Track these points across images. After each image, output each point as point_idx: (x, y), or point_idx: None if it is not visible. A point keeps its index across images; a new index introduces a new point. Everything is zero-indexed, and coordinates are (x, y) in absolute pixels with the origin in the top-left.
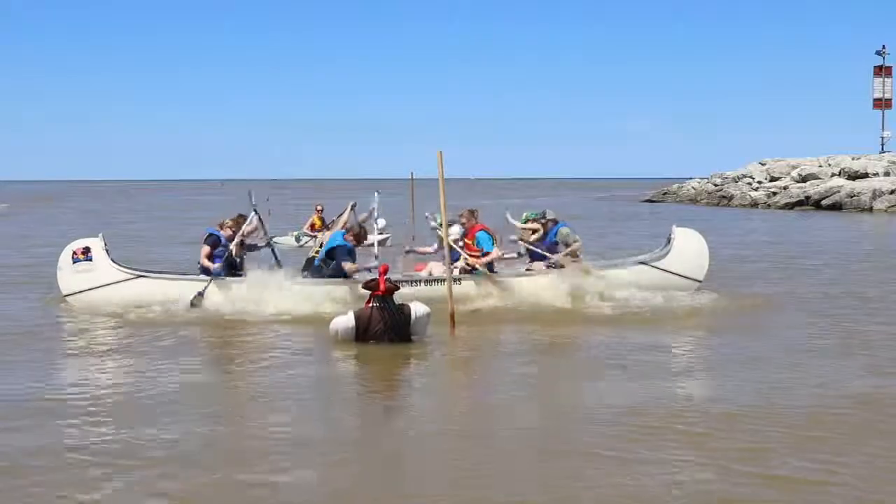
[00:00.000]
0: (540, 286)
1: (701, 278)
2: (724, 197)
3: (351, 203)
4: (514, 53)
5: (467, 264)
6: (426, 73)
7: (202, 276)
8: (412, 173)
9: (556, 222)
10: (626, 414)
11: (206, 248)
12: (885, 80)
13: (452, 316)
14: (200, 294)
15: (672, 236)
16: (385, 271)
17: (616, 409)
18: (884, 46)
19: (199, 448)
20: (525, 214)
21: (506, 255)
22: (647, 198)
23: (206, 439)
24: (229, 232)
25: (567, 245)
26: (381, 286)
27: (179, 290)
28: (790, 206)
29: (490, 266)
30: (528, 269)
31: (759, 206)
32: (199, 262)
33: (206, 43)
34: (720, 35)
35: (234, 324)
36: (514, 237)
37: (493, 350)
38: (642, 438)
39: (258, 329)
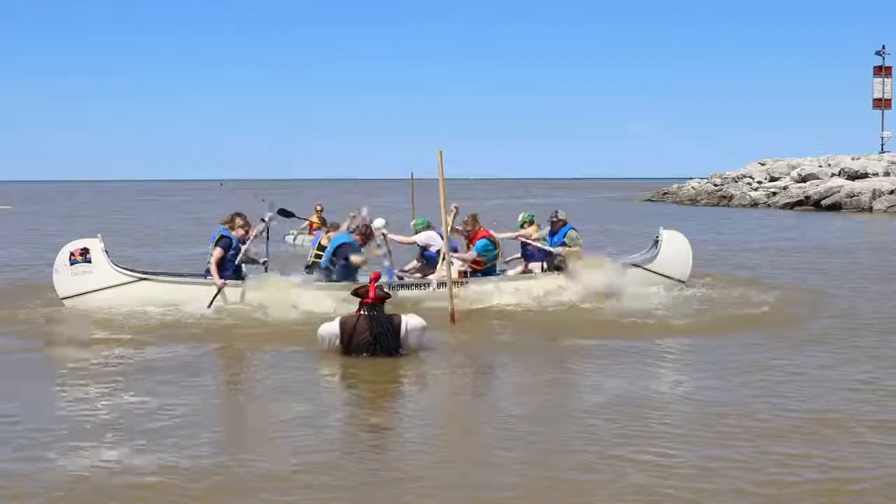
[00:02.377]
0: (540, 287)
1: (685, 279)
2: (723, 197)
3: (351, 214)
4: (514, 53)
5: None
6: (427, 73)
7: (209, 279)
8: (412, 173)
9: (565, 223)
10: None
11: (219, 252)
12: (885, 80)
13: (453, 315)
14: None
15: (659, 238)
16: (376, 278)
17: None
18: (883, 46)
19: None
20: (522, 216)
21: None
22: (646, 198)
23: (192, 462)
24: (241, 232)
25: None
26: (371, 293)
27: (187, 294)
28: (790, 206)
29: (491, 270)
30: (524, 271)
31: (759, 206)
32: (207, 265)
33: (206, 43)
34: (720, 35)
35: (241, 329)
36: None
37: (491, 358)
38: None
39: (260, 336)
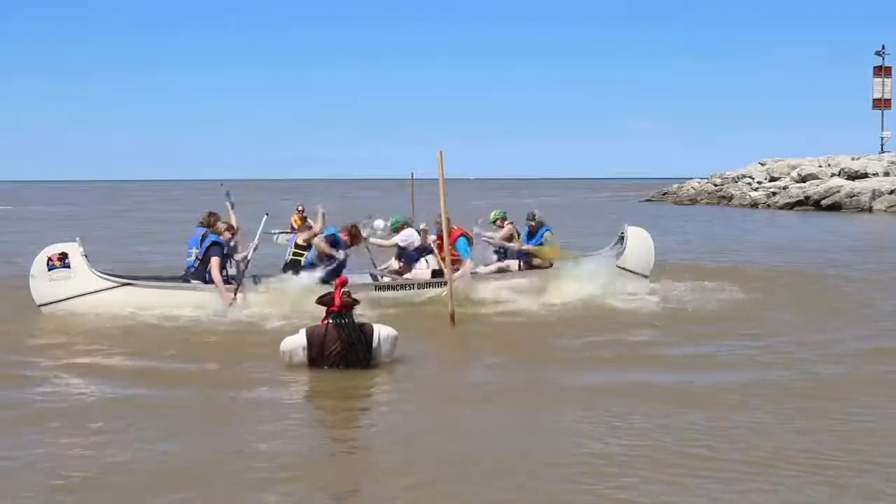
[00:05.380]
0: (517, 287)
1: (648, 274)
2: (723, 197)
3: (321, 210)
4: (515, 54)
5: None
6: (427, 72)
7: (194, 283)
8: (412, 173)
9: (542, 224)
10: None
11: (217, 260)
12: (885, 80)
13: (452, 315)
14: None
15: (625, 235)
16: (342, 284)
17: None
18: (883, 46)
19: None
20: (493, 214)
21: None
22: (646, 198)
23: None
24: (228, 235)
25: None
26: (337, 301)
27: (170, 299)
28: (790, 206)
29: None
30: (500, 270)
31: (759, 207)
32: (190, 269)
33: (206, 42)
34: (720, 35)
35: (226, 337)
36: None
37: (481, 365)
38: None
39: (251, 341)
